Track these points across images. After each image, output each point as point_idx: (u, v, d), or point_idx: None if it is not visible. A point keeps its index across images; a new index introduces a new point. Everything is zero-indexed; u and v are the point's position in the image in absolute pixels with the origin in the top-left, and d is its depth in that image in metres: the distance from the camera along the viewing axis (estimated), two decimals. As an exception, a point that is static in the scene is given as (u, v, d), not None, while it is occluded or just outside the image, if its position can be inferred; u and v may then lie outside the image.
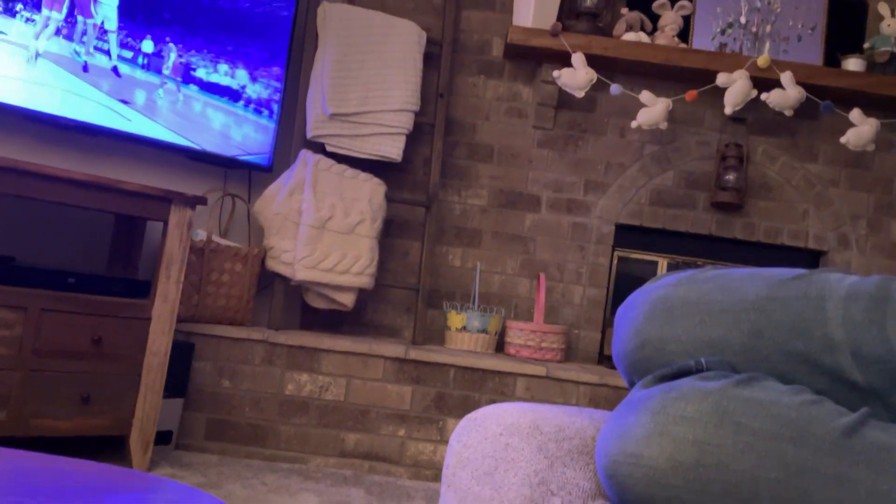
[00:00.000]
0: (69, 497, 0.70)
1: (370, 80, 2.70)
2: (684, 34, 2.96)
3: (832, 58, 2.95)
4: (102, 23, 2.27)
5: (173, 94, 2.46)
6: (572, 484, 0.66)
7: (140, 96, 2.39)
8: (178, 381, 2.31)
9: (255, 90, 2.64)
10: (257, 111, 2.64)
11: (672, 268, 3.02)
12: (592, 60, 2.77)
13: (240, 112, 2.60)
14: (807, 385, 0.62)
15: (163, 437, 2.29)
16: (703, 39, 2.95)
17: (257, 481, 2.13)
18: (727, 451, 0.55)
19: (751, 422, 0.56)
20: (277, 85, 2.69)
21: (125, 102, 2.36)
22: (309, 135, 2.67)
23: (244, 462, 2.34)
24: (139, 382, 2.02)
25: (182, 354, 2.33)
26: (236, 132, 2.60)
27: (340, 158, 2.71)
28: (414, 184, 2.94)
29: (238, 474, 2.18)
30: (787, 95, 2.68)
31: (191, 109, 2.50)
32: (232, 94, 2.59)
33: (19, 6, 2.14)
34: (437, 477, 2.42)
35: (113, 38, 2.27)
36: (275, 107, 2.68)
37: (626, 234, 3.00)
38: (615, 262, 3.01)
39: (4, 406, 1.82)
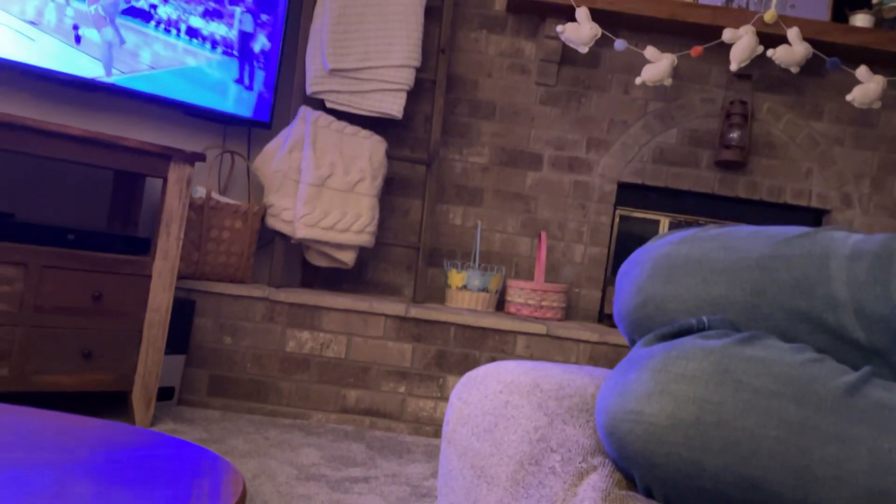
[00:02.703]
0: (72, 453, 0.71)
1: (370, 34, 2.66)
2: (690, -12, 2.91)
3: (840, 13, 2.90)
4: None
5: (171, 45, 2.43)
6: (572, 441, 0.66)
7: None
8: (179, 337, 2.33)
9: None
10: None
11: (674, 227, 3.01)
12: (597, 15, 2.72)
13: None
14: (809, 344, 0.61)
15: (165, 393, 2.31)
16: (710, -6, 2.89)
17: (259, 436, 2.15)
18: (728, 408, 0.55)
19: (752, 380, 0.56)
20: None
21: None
22: (308, 91, 2.64)
23: (246, 417, 2.36)
24: (141, 339, 2.03)
25: (183, 311, 2.34)
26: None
27: (340, 115, 2.69)
28: (415, 141, 2.92)
29: (240, 429, 2.20)
30: (793, 52, 2.64)
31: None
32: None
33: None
34: (437, 433, 2.45)
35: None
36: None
37: (629, 193, 2.99)
38: (617, 220, 3.00)
39: (6, 362, 1.83)
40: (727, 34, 2.65)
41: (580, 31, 2.67)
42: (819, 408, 0.54)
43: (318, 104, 2.68)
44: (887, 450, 0.52)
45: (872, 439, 0.53)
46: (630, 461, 0.59)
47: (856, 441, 0.53)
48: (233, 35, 2.56)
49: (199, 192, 2.51)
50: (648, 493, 0.59)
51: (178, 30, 2.44)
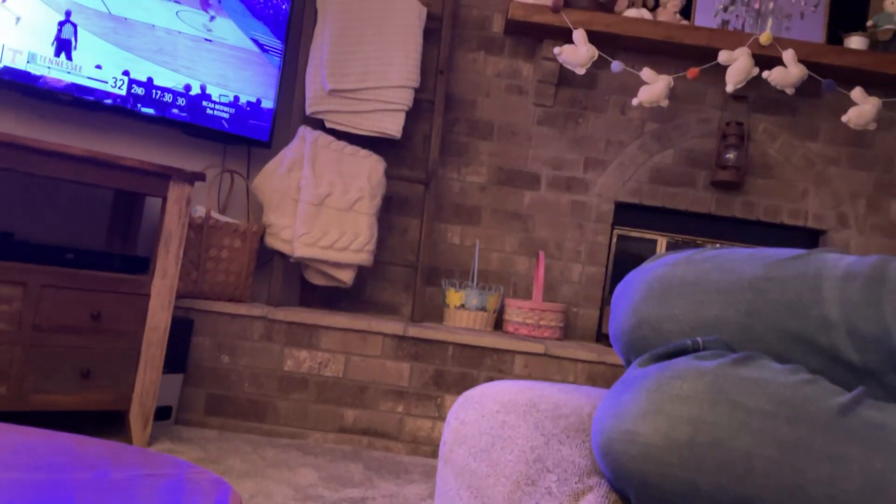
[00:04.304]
0: (71, 472, 0.71)
1: (370, 55, 2.68)
2: (686, 11, 2.94)
3: (835, 36, 2.93)
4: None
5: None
6: (568, 461, 0.67)
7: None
8: (177, 356, 2.32)
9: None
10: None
11: (671, 247, 3.02)
12: (594, 37, 2.75)
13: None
14: (803, 364, 0.62)
15: (163, 413, 2.30)
16: (706, 16, 2.92)
17: (257, 456, 2.14)
18: (722, 429, 0.55)
19: (746, 400, 0.56)
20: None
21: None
22: (308, 111, 2.66)
23: (243, 437, 2.35)
24: (139, 358, 2.03)
25: (181, 330, 2.34)
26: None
27: (340, 135, 2.70)
28: (413, 161, 2.93)
29: (237, 449, 2.19)
30: (788, 73, 2.67)
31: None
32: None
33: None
34: (434, 453, 2.44)
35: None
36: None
37: (626, 213, 3.00)
38: (614, 240, 3.01)
39: (4, 381, 1.83)
40: (723, 56, 2.67)
41: (577, 53, 2.69)
42: (813, 428, 0.55)
43: (318, 124, 2.70)
44: (880, 469, 0.53)
45: (865, 459, 0.53)
46: (625, 481, 0.59)
47: (849, 461, 0.53)
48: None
49: (199, 211, 2.52)
50: (644, 513, 0.59)
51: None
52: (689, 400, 0.57)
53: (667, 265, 0.74)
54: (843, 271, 0.64)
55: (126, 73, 2.35)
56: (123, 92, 2.36)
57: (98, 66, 2.30)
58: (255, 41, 2.62)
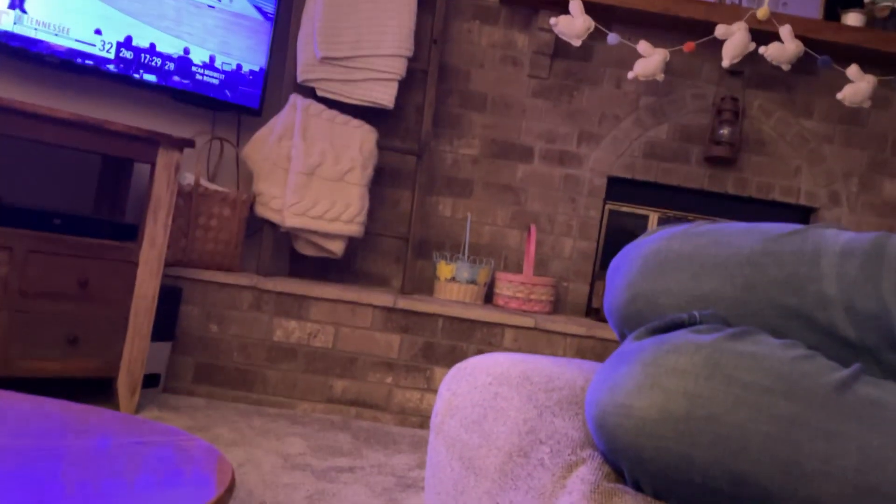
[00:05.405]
0: (61, 439, 0.70)
1: (363, 23, 2.64)
2: (684, -16, 2.91)
3: (832, 12, 2.91)
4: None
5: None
6: (561, 433, 0.66)
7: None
8: (165, 324, 2.31)
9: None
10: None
11: (663, 222, 3.02)
12: (590, 8, 2.72)
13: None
14: (799, 340, 0.61)
15: (150, 381, 2.30)
16: (703, -10, 2.89)
17: (245, 425, 2.14)
18: (718, 403, 0.55)
19: (742, 375, 0.56)
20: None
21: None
22: (299, 78, 2.62)
23: (232, 406, 2.35)
24: (127, 325, 2.02)
25: (170, 298, 2.32)
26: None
27: (331, 104, 2.67)
28: (405, 132, 2.91)
29: (225, 418, 2.19)
30: (785, 49, 2.65)
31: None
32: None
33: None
34: (423, 424, 2.45)
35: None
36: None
37: (618, 187, 2.99)
38: (606, 215, 3.00)
39: (-9, 346, 1.81)
40: (720, 30, 2.65)
41: (573, 24, 2.66)
42: (809, 404, 0.54)
43: (309, 92, 2.67)
44: (876, 446, 0.52)
45: (862, 436, 0.53)
46: (619, 454, 0.59)
47: (845, 437, 0.53)
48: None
49: (188, 178, 2.49)
50: (637, 486, 0.59)
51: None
52: (685, 374, 0.56)
53: (662, 239, 0.73)
54: (841, 247, 0.63)
55: (128, 38, 2.31)
56: (112, 56, 2.32)
57: (98, 31, 2.26)
58: (258, 7, 2.57)
